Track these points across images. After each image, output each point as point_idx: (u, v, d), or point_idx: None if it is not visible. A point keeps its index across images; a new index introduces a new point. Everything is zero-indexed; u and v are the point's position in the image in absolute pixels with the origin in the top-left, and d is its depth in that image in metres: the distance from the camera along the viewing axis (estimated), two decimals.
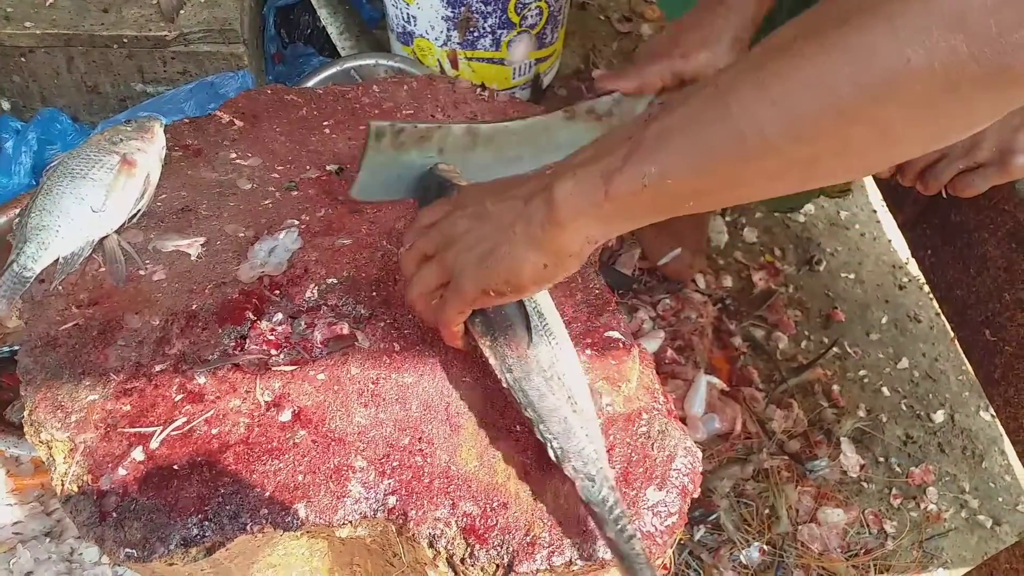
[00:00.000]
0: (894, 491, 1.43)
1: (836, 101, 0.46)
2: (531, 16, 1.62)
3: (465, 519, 0.67)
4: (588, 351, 0.77)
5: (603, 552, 0.66)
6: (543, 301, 0.73)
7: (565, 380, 0.69)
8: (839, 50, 0.45)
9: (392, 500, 0.67)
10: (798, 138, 0.48)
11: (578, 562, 0.66)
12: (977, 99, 0.44)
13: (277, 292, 0.79)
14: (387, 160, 0.84)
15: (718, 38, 0.92)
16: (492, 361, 0.70)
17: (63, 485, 0.67)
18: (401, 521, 0.67)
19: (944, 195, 0.89)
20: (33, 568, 1.11)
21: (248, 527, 0.65)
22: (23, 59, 1.45)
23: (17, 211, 1.21)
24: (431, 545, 0.67)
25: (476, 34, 1.62)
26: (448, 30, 1.62)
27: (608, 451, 0.71)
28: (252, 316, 0.76)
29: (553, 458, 0.66)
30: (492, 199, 0.64)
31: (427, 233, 0.68)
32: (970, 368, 1.13)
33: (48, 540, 1.14)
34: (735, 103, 0.50)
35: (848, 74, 0.45)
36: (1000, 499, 1.46)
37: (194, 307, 0.77)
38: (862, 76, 0.45)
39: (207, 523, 0.65)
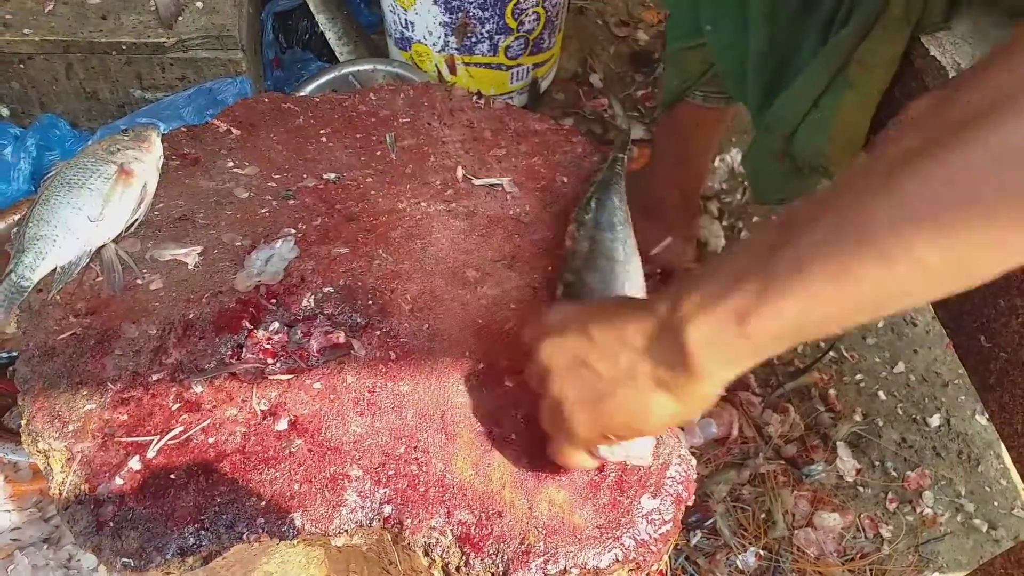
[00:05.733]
0: (890, 495, 1.44)
1: (978, 197, 0.43)
2: (528, 21, 1.62)
3: (460, 528, 0.67)
4: None
5: (596, 560, 0.66)
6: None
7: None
8: (973, 146, 0.43)
9: (388, 509, 0.68)
10: (948, 244, 0.44)
11: (573, 570, 0.66)
12: None
13: (273, 301, 0.79)
14: None
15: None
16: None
17: (60, 494, 0.67)
18: (397, 530, 0.67)
19: None
20: (31, 575, 1.11)
21: (244, 536, 0.65)
22: (22, 65, 1.46)
23: (16, 217, 1.22)
24: (427, 553, 0.67)
25: (474, 39, 1.63)
26: (446, 35, 1.62)
27: None
28: (249, 325, 0.77)
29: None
30: (597, 332, 0.60)
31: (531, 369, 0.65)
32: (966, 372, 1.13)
33: (46, 547, 1.14)
34: (872, 221, 0.46)
35: (986, 169, 0.42)
36: (996, 503, 1.47)
37: (191, 316, 0.78)
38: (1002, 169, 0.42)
39: (204, 532, 0.65)
